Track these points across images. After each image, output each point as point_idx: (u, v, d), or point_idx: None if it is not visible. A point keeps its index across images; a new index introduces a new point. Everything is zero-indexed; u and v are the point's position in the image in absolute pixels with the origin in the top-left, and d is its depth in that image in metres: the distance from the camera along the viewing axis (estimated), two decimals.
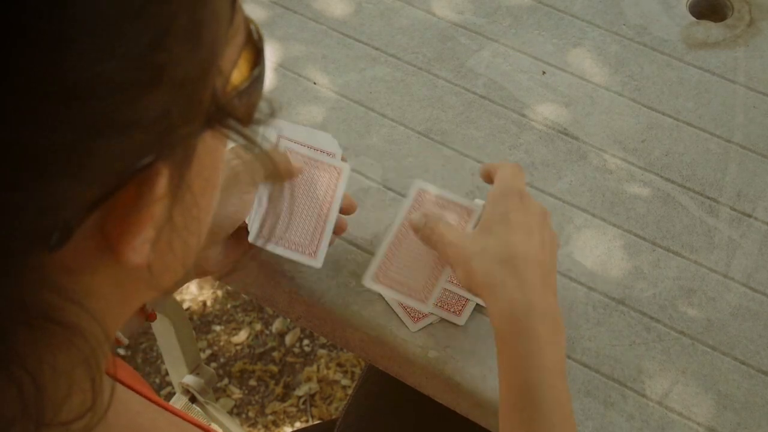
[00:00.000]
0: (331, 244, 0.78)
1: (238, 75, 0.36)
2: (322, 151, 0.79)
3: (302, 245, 0.76)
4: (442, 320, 0.79)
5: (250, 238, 0.74)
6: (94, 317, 0.34)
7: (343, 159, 0.79)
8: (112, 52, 0.28)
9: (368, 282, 0.75)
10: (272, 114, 0.37)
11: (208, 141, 0.35)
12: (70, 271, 0.33)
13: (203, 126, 0.34)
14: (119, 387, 0.43)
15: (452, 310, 0.79)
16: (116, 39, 0.28)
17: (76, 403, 0.35)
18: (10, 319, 0.31)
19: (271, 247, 0.76)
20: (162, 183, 0.32)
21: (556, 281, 0.66)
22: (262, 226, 0.73)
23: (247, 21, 0.36)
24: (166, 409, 0.49)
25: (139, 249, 0.33)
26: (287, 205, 0.74)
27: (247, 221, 0.75)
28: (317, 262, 0.76)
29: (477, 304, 0.80)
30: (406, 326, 0.79)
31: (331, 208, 0.77)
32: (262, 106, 0.37)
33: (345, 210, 0.78)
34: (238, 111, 0.35)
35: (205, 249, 0.72)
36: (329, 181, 0.78)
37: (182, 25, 0.30)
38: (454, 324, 0.79)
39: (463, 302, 0.79)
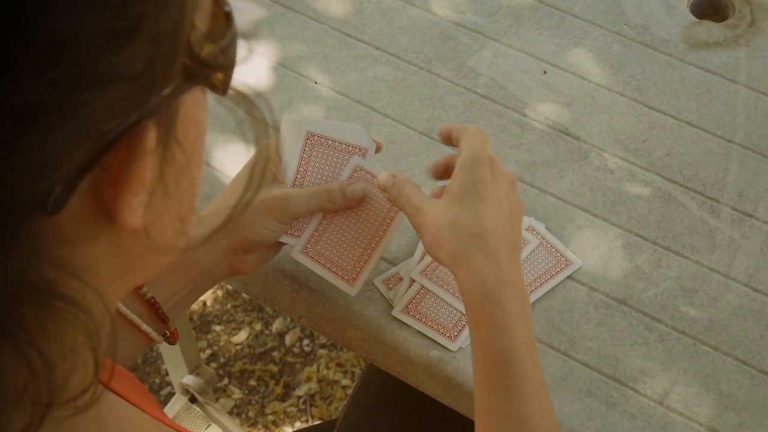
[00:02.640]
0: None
1: (212, 35, 0.37)
2: (353, 146, 0.77)
3: (345, 269, 0.76)
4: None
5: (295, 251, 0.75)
6: (94, 291, 0.35)
7: (378, 146, 0.78)
8: (88, 3, 0.29)
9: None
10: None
11: (191, 99, 0.36)
12: (68, 242, 0.33)
13: (185, 82, 0.35)
14: (113, 396, 0.44)
15: (447, 334, 0.78)
16: None
17: (79, 378, 0.36)
18: (16, 296, 0.31)
19: (311, 265, 0.76)
20: (151, 138, 0.33)
21: (519, 253, 0.67)
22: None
23: None
24: (162, 422, 0.49)
25: (136, 210, 0.34)
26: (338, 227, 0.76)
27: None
28: (353, 290, 0.76)
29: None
30: (447, 348, 0.78)
31: (383, 238, 0.76)
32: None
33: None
34: (216, 70, 0.37)
35: (244, 256, 0.74)
36: (388, 209, 0.76)
37: None
38: (448, 349, 0.78)
39: (460, 327, 0.78)
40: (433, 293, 0.79)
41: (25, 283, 0.32)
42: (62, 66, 0.29)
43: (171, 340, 0.73)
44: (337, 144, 0.77)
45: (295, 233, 0.76)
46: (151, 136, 0.33)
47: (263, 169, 0.42)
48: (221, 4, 0.37)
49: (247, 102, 0.38)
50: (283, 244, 0.77)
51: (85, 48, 0.29)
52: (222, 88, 0.37)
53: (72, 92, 0.30)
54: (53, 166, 0.30)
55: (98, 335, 0.35)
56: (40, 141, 0.29)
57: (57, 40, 0.29)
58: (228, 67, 0.38)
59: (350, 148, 0.76)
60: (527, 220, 0.85)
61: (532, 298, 0.81)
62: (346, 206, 0.75)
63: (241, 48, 0.38)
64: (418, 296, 0.79)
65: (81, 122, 0.30)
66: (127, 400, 0.47)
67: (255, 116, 0.38)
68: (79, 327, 0.34)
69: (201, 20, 0.35)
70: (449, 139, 0.73)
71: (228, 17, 0.37)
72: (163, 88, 0.33)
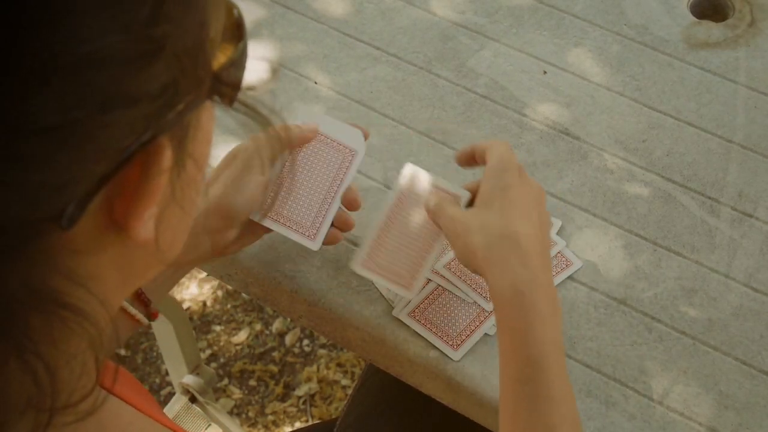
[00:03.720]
0: (334, 243, 0.77)
1: (226, 47, 0.37)
2: (344, 146, 0.77)
3: (303, 226, 0.76)
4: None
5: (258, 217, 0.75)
6: (98, 300, 0.35)
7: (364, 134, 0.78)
8: (114, 25, 0.29)
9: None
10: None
11: (204, 113, 0.37)
12: (76, 253, 0.33)
13: (203, 97, 0.35)
14: (113, 399, 0.44)
15: (451, 343, 0.78)
16: (118, 11, 0.29)
17: (82, 385, 0.36)
18: (23, 305, 0.31)
19: (270, 224, 0.76)
20: (167, 155, 0.33)
21: (550, 259, 0.66)
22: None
23: None
24: (162, 422, 0.49)
25: (148, 223, 0.34)
26: (290, 181, 0.75)
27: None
28: (315, 245, 0.76)
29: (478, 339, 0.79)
30: (449, 356, 0.77)
31: (338, 191, 0.77)
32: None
33: (348, 204, 0.77)
34: (229, 84, 0.37)
35: (225, 233, 0.73)
36: (341, 162, 0.77)
37: None
38: (450, 357, 0.77)
39: (464, 337, 0.78)
40: (439, 301, 0.79)
41: (34, 294, 0.32)
42: (84, 87, 0.29)
43: (151, 318, 0.74)
44: (329, 141, 0.77)
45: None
46: (168, 153, 0.33)
47: (278, 185, 0.43)
48: (232, 16, 0.37)
49: (263, 120, 0.39)
50: (268, 230, 0.77)
51: (110, 69, 0.29)
52: (229, 100, 0.37)
53: (94, 114, 0.30)
54: (72, 183, 0.31)
55: (101, 342, 0.36)
56: (62, 159, 0.30)
57: (82, 62, 0.29)
58: (239, 80, 0.38)
59: (341, 147, 0.77)
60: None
61: None
62: (304, 136, 0.75)
63: (268, 67, 0.39)
64: (426, 301, 0.79)
65: (103, 141, 0.31)
66: (126, 401, 0.47)
67: (270, 133, 0.39)
68: (82, 335, 0.34)
69: (216, 35, 0.36)
70: (472, 160, 0.73)
71: (240, 29, 0.37)
72: (180, 104, 0.33)
